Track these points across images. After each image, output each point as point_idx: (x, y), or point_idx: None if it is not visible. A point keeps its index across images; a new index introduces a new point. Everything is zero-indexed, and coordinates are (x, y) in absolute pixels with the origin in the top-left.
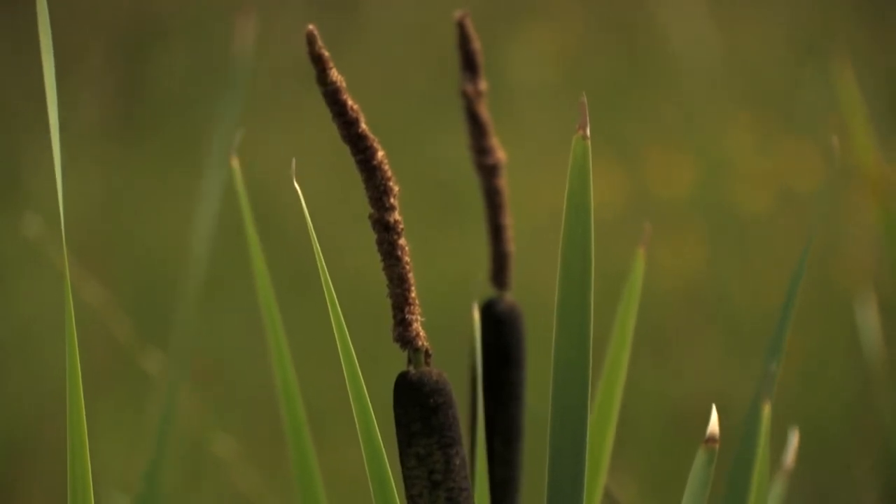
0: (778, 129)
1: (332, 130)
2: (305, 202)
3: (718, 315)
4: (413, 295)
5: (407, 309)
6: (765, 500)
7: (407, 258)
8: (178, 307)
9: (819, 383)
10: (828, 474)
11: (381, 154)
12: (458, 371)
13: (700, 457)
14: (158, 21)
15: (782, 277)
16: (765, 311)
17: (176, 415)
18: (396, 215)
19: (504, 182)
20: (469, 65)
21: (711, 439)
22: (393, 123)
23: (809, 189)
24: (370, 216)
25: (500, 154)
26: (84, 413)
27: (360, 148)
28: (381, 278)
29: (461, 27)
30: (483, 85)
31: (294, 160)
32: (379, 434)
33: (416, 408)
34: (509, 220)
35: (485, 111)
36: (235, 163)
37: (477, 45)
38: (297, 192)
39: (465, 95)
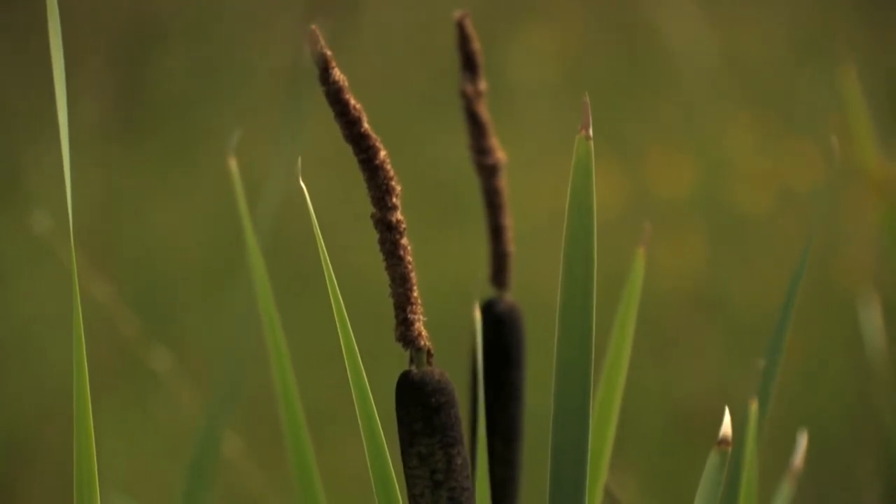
0: (778, 129)
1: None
2: (306, 203)
3: (718, 315)
4: (415, 294)
5: (409, 308)
6: (753, 500)
7: (409, 257)
8: (224, 349)
9: (820, 383)
10: (828, 474)
11: (383, 153)
12: (458, 371)
13: (712, 459)
14: (159, 23)
15: (782, 277)
16: (765, 310)
17: (217, 460)
18: (399, 215)
19: (504, 182)
20: (469, 65)
21: (724, 441)
22: (392, 123)
23: (809, 189)
24: (372, 215)
25: (500, 154)
26: (91, 412)
27: (362, 147)
28: (381, 278)
29: (461, 27)
30: (483, 85)
31: (299, 159)
32: (382, 433)
33: (419, 407)
34: (509, 221)
35: (484, 111)
36: (233, 163)
37: (476, 45)
38: (299, 192)
39: (464, 95)
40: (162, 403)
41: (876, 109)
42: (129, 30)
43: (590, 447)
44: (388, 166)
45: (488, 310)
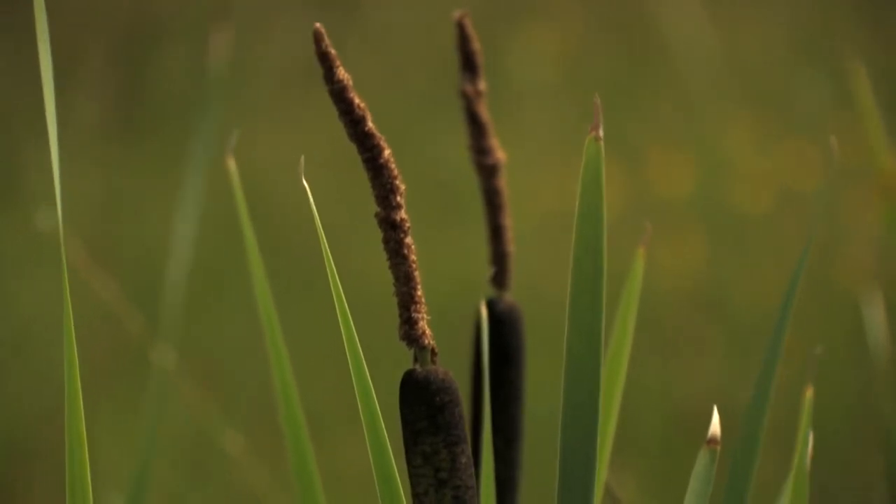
0: (778, 129)
1: (333, 130)
2: (306, 200)
3: (719, 315)
4: (419, 293)
5: (413, 307)
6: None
7: (413, 257)
8: (166, 302)
9: (820, 383)
10: (829, 474)
11: (387, 152)
12: (458, 371)
13: (702, 458)
14: (158, 23)
15: (782, 277)
16: (765, 310)
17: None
18: (403, 213)
19: (504, 182)
20: (469, 65)
21: (713, 440)
22: (393, 123)
23: (809, 189)
24: (377, 214)
25: (500, 154)
26: (82, 411)
27: (366, 146)
28: (381, 277)
29: (461, 27)
30: (483, 85)
31: (302, 158)
32: (385, 432)
33: (423, 406)
34: (509, 221)
35: (484, 111)
36: (231, 163)
37: (477, 45)
38: (299, 191)
39: (464, 95)
40: (164, 400)
41: (876, 109)
42: (129, 30)
43: (598, 445)
44: (393, 165)
45: (488, 310)
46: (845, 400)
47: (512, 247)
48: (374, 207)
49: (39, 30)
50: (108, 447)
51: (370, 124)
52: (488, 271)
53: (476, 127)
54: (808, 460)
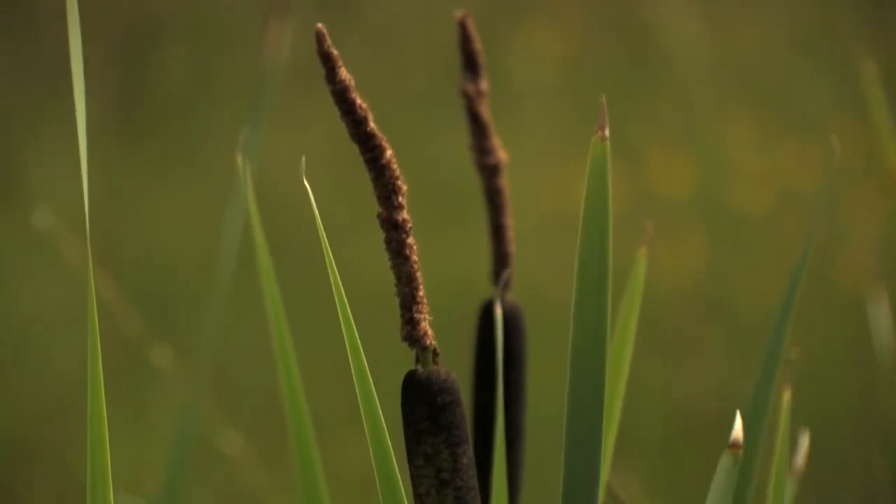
0: (778, 129)
1: (333, 130)
2: (306, 201)
3: (719, 315)
4: (421, 294)
5: (415, 308)
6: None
7: (415, 257)
8: (202, 316)
9: (821, 383)
10: (830, 474)
11: (389, 153)
12: (459, 371)
13: (723, 462)
14: (158, 22)
15: (782, 277)
16: (765, 310)
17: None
18: (405, 214)
19: (505, 182)
20: (470, 65)
21: (735, 445)
22: (394, 123)
23: (809, 189)
24: (378, 215)
25: (501, 154)
26: (105, 411)
27: (368, 147)
28: (381, 277)
29: (462, 27)
30: (484, 85)
31: (304, 158)
32: (387, 432)
33: (425, 406)
34: (510, 221)
35: (486, 111)
36: (240, 160)
37: (478, 45)
38: (301, 191)
39: (466, 95)
40: (166, 401)
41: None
42: (129, 30)
43: (603, 445)
44: (395, 166)
45: (489, 309)
46: (846, 400)
47: (513, 247)
48: (374, 207)
49: (72, 35)
50: (112, 443)
51: (372, 125)
52: (499, 272)
53: (477, 127)
54: (801, 461)
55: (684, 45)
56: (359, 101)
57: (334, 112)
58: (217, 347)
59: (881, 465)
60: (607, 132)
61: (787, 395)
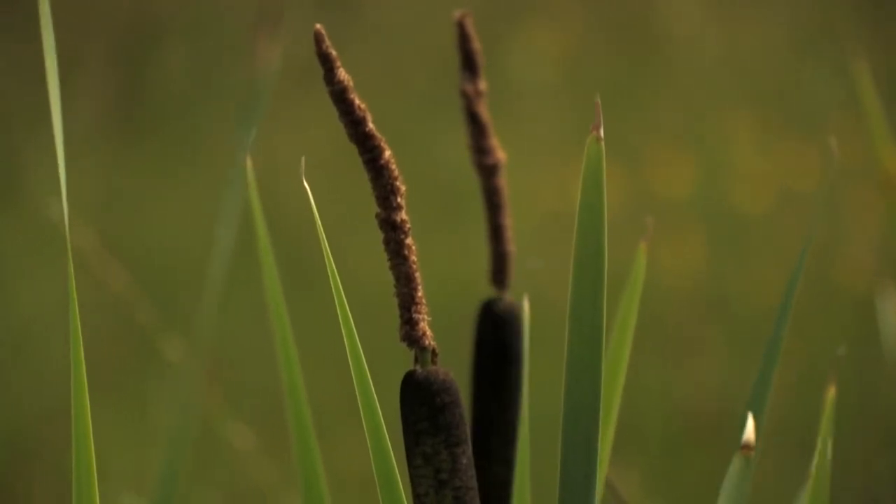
0: (778, 129)
1: (332, 130)
2: (306, 202)
3: (719, 315)
4: (420, 294)
5: (414, 308)
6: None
7: (414, 257)
8: (200, 304)
9: (820, 383)
10: (831, 474)
11: (388, 153)
12: (458, 371)
13: (735, 464)
14: (158, 22)
15: (782, 277)
16: (765, 310)
17: (191, 409)
18: (403, 214)
19: (504, 182)
20: (469, 65)
21: (747, 447)
22: (393, 123)
23: (809, 189)
24: (377, 215)
25: (500, 154)
26: (89, 409)
27: (367, 147)
28: (380, 277)
29: (461, 27)
30: (483, 85)
31: (303, 159)
32: (386, 432)
33: (424, 407)
34: (509, 220)
35: (485, 111)
36: (249, 162)
37: (477, 44)
38: (303, 190)
39: (464, 95)
40: (171, 398)
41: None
42: (129, 30)
43: (600, 445)
44: (393, 166)
45: (488, 310)
46: (846, 400)
47: (512, 247)
48: (373, 207)
49: (45, 31)
50: (113, 442)
51: (371, 125)
52: (498, 272)
53: (476, 127)
54: (827, 463)
55: (684, 45)
56: (357, 101)
57: (333, 112)
58: (216, 343)
59: (883, 465)
60: (602, 132)
61: (831, 393)
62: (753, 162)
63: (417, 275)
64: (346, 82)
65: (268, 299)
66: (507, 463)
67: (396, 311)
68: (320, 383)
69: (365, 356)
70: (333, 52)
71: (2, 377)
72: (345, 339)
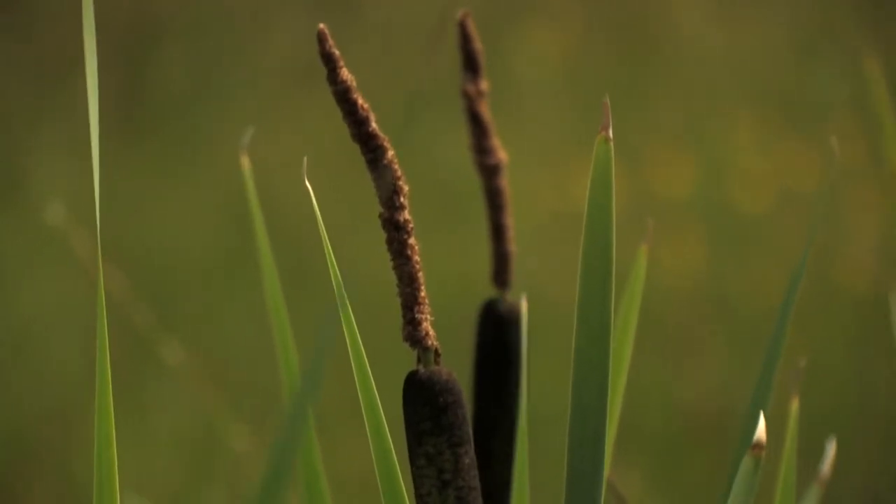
0: (778, 129)
1: (332, 130)
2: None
3: (719, 315)
4: (423, 294)
5: (417, 308)
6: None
7: (417, 257)
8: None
9: (821, 383)
10: (832, 474)
11: (391, 153)
12: (459, 372)
13: (745, 464)
14: (158, 22)
15: (783, 277)
16: (766, 311)
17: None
18: (406, 214)
19: (505, 182)
20: (470, 64)
21: (758, 446)
22: (393, 123)
23: (810, 189)
24: (380, 215)
25: (502, 154)
26: (112, 411)
27: (370, 147)
28: (380, 277)
29: (462, 27)
30: (484, 85)
31: (305, 159)
32: (388, 433)
33: (426, 407)
34: (510, 221)
35: (486, 111)
36: (246, 161)
37: (478, 44)
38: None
39: (466, 95)
40: (172, 399)
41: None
42: (129, 30)
43: (606, 444)
44: (396, 166)
45: (489, 310)
46: (846, 400)
47: (513, 247)
48: (373, 207)
49: (87, 31)
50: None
51: (374, 125)
52: (499, 272)
53: (477, 127)
54: (827, 469)
55: (685, 45)
56: (360, 101)
57: (334, 112)
58: (216, 343)
59: (884, 464)
60: (611, 132)
61: (795, 404)
62: (754, 162)
63: (420, 275)
64: (349, 82)
65: (267, 299)
66: (508, 463)
67: (396, 311)
68: (324, 382)
69: (371, 356)
70: (337, 52)
71: (2, 377)
72: (347, 339)
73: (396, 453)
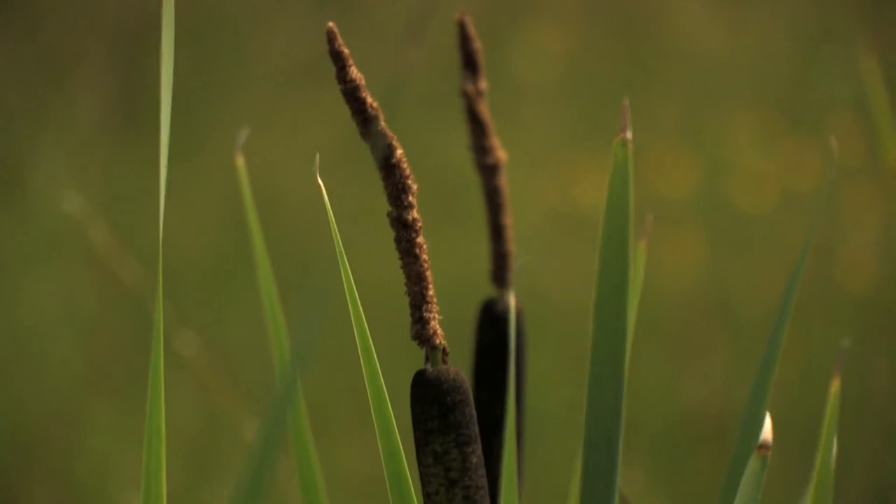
0: (778, 129)
1: (333, 130)
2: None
3: (719, 315)
4: (431, 293)
5: (425, 307)
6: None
7: (425, 256)
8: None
9: (819, 384)
10: (836, 473)
11: (399, 152)
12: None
13: (752, 464)
14: (158, 23)
15: (783, 277)
16: (766, 310)
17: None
18: (415, 213)
19: (504, 182)
20: (470, 64)
21: (764, 446)
22: (393, 123)
23: (809, 189)
24: (389, 214)
25: (501, 154)
26: (164, 429)
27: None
28: (383, 276)
29: (462, 27)
30: (484, 84)
31: (318, 157)
32: (397, 431)
33: (434, 405)
34: (510, 220)
35: (485, 111)
36: (240, 161)
37: (478, 44)
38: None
39: (465, 95)
40: (174, 399)
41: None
42: (129, 30)
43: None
44: (405, 165)
45: (488, 309)
46: (846, 400)
47: (512, 246)
48: (374, 207)
49: (166, 30)
50: (119, 438)
51: (383, 123)
52: (499, 272)
53: (477, 126)
54: (832, 460)
55: (685, 45)
56: (369, 99)
57: (335, 112)
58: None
59: (887, 463)
60: (630, 134)
61: (836, 384)
62: (754, 162)
63: (429, 273)
64: (358, 80)
65: (263, 299)
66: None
67: (399, 310)
68: (320, 383)
69: (378, 355)
70: (346, 50)
71: (2, 377)
72: (357, 339)
73: (404, 451)
